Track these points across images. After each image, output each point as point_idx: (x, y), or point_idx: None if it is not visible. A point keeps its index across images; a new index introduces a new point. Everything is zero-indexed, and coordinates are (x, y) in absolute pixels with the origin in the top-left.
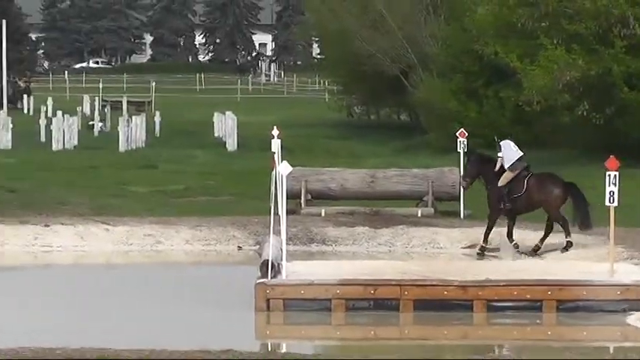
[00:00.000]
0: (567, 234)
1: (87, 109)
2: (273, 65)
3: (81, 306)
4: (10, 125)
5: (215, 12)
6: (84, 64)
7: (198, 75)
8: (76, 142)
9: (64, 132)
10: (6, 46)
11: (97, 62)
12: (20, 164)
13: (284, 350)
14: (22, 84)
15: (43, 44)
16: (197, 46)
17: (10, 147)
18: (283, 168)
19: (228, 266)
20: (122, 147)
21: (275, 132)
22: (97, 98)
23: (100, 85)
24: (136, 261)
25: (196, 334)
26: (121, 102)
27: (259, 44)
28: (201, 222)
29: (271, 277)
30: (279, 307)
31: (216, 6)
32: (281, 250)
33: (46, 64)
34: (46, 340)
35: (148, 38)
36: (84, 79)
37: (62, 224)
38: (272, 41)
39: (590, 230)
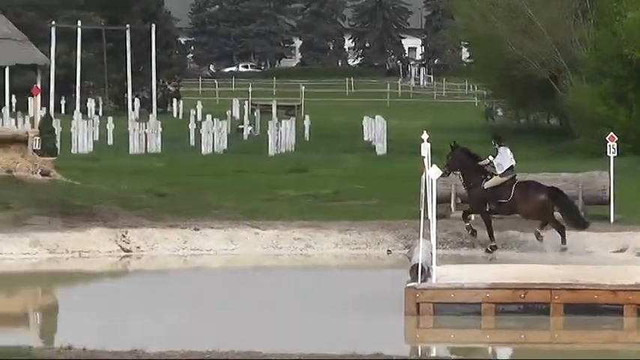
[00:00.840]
0: (563, 239)
1: (236, 113)
2: (422, 69)
3: (229, 308)
4: (160, 129)
5: (364, 16)
6: (233, 68)
7: (347, 79)
8: (225, 146)
9: (214, 136)
10: (155, 49)
11: (247, 66)
12: (169, 168)
13: (434, 354)
14: (171, 88)
15: (192, 48)
16: (346, 50)
17: (159, 151)
18: (433, 172)
19: (377, 270)
20: (272, 151)
21: (425, 136)
22: (246, 102)
23: (250, 89)
24: (286, 265)
25: (346, 337)
26: (270, 106)
27: (408, 48)
28: (351, 226)
29: (421, 281)
30: (429, 310)
31: (365, 10)
32: (431, 254)
33: (208, 68)
34: (195, 343)
35: (298, 42)
36: (233, 83)
37: (212, 228)
38: (421, 45)
39: (587, 228)
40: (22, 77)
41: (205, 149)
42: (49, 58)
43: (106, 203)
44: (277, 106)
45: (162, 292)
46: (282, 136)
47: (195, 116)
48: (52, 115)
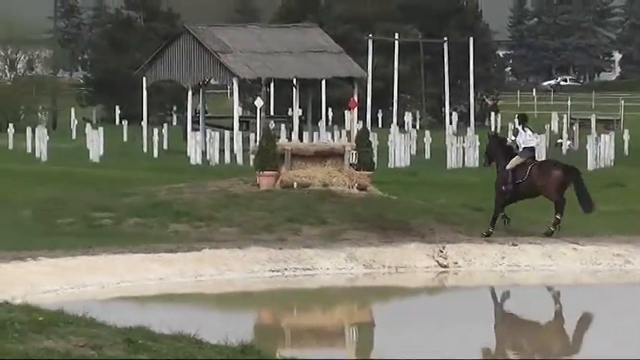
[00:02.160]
0: (559, 212)
1: (555, 127)
2: None
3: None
4: (477, 143)
5: None
6: (552, 82)
7: None
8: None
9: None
10: (473, 63)
11: (565, 80)
12: (486, 183)
13: None
14: (489, 101)
15: (510, 61)
16: None
17: (477, 165)
18: None
19: None
20: (590, 165)
21: None
22: (564, 116)
23: (569, 103)
24: (604, 281)
25: None
26: (589, 120)
27: None
28: None
29: None
30: None
31: None
32: None
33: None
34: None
35: (617, 56)
36: (552, 96)
37: (530, 243)
38: None
39: (593, 211)
40: (338, 90)
41: None
42: (366, 70)
43: (423, 218)
44: (596, 120)
45: (479, 307)
46: (600, 150)
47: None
48: (369, 129)
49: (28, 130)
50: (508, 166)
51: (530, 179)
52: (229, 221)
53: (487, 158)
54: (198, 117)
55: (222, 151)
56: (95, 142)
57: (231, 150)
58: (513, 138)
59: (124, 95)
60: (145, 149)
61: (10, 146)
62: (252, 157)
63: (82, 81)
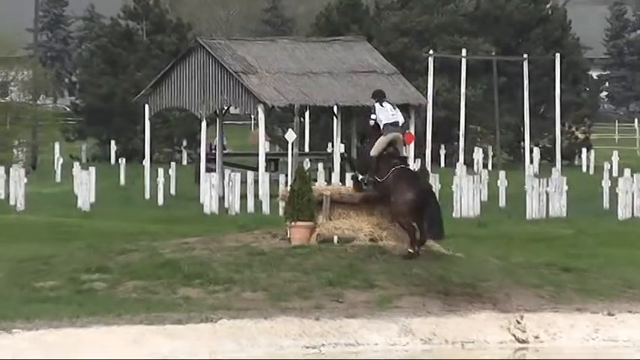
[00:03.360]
0: (411, 244)
1: None
2: None
3: None
4: (565, 187)
5: None
6: None
7: None
8: None
9: (634, 196)
10: (560, 86)
11: None
12: (577, 236)
13: None
14: (580, 134)
15: (606, 84)
16: None
17: (564, 214)
18: None
19: None
20: None
21: None
22: None
23: None
24: None
25: None
26: None
27: None
28: None
29: None
30: None
31: None
32: None
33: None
34: None
35: None
36: None
37: (630, 312)
38: None
39: (441, 240)
40: None
41: (622, 213)
42: (425, 96)
43: (495, 280)
44: None
45: None
46: None
47: (610, 171)
48: (429, 169)
49: (1, 170)
50: (373, 152)
51: (384, 183)
52: (253, 285)
53: (360, 169)
54: (214, 154)
55: (244, 196)
56: (85, 185)
57: (256, 195)
58: (373, 117)
59: (121, 127)
60: (147, 195)
61: None
62: (281, 204)
63: (68, 109)
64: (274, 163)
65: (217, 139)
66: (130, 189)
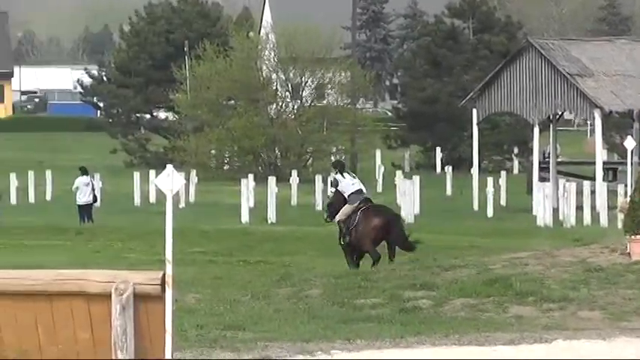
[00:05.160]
0: (372, 266)
1: None
2: None
3: None
4: None
5: None
6: None
7: None
8: None
9: None
10: None
11: None
12: None
13: None
14: None
15: None
16: None
17: None
18: None
19: None
20: None
21: None
22: None
23: None
24: None
25: None
26: None
27: None
28: None
29: None
30: None
31: None
32: None
33: None
34: None
35: None
36: None
37: None
38: None
39: (412, 251)
40: None
41: None
42: None
43: None
44: None
45: None
46: None
47: None
48: None
49: (318, 179)
50: (338, 217)
51: (356, 225)
52: (590, 303)
53: (330, 212)
54: (548, 162)
55: (579, 208)
56: (409, 195)
57: (592, 207)
58: (333, 189)
59: (447, 133)
60: (475, 206)
61: (294, 200)
62: (620, 216)
63: (390, 114)
64: (612, 172)
65: (550, 146)
66: (457, 199)
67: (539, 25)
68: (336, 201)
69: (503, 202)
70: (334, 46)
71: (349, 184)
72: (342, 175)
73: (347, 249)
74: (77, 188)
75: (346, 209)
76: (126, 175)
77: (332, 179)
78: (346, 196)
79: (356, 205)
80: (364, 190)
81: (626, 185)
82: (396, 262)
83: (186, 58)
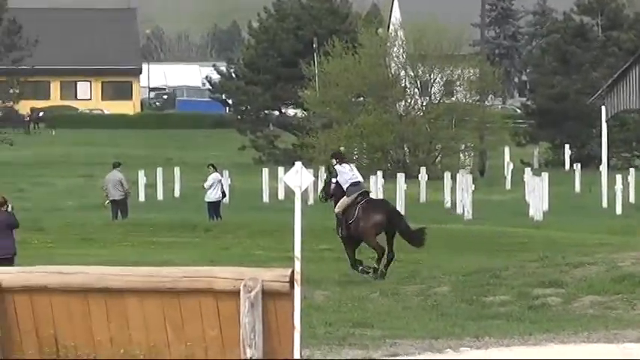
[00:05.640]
0: (378, 260)
1: None
2: None
3: None
4: None
5: None
6: None
7: None
8: None
9: None
10: None
11: None
12: None
13: None
14: None
15: None
16: None
17: None
18: None
19: None
20: None
21: None
22: None
23: None
24: None
25: None
26: None
27: None
28: None
29: None
30: None
31: None
32: None
33: None
34: None
35: None
36: None
37: None
38: None
39: (422, 246)
40: None
41: None
42: None
43: None
44: None
45: None
46: None
47: None
48: None
49: (447, 176)
50: (336, 210)
51: (356, 219)
52: None
53: (325, 193)
54: None
55: None
56: (537, 192)
57: None
58: (334, 180)
59: (575, 130)
60: (604, 203)
61: (423, 197)
62: None
63: (519, 111)
64: None
65: None
66: (586, 197)
67: None
68: (336, 191)
69: (632, 199)
70: (463, 43)
71: (349, 175)
72: (342, 166)
73: (347, 242)
74: (210, 185)
75: (344, 201)
76: (254, 172)
77: (331, 169)
78: (344, 188)
79: (354, 197)
80: (362, 182)
81: None
82: (524, 259)
83: (314, 54)
